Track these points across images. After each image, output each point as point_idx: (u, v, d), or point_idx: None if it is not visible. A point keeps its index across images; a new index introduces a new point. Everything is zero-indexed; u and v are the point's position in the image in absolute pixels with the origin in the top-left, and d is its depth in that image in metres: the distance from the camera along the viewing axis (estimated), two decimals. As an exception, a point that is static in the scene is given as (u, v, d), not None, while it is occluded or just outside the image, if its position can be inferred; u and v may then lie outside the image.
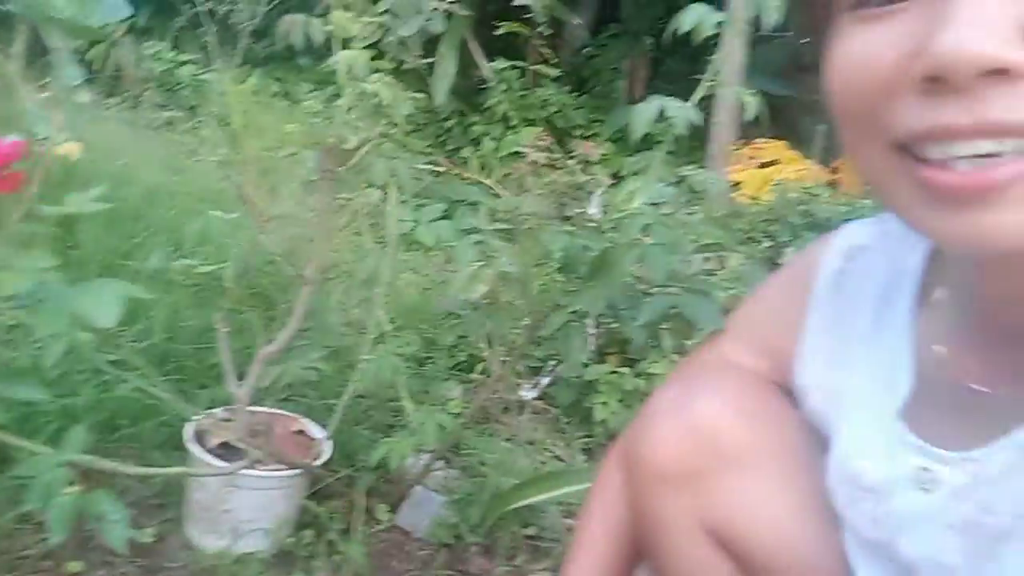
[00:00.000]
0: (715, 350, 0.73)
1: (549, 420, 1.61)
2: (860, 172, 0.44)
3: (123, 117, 3.25)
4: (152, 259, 1.35)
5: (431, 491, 1.26)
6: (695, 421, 0.64)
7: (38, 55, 1.61)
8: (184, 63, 3.38)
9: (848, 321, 0.61)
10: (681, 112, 0.89)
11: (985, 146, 0.36)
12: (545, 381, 1.62)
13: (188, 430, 1.12)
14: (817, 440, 0.63)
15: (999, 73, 0.34)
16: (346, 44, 1.16)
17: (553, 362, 1.64)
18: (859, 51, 0.39)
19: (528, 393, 1.61)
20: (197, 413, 1.10)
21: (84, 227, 1.63)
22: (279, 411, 1.26)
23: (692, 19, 0.93)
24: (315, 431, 1.23)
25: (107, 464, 0.90)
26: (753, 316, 0.73)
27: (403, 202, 1.19)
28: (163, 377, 1.33)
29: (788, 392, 0.66)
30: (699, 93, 0.94)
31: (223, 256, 1.31)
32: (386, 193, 1.17)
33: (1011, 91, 0.34)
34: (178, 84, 3.61)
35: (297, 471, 1.10)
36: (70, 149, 1.66)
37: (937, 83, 0.35)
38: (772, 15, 0.88)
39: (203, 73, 3.37)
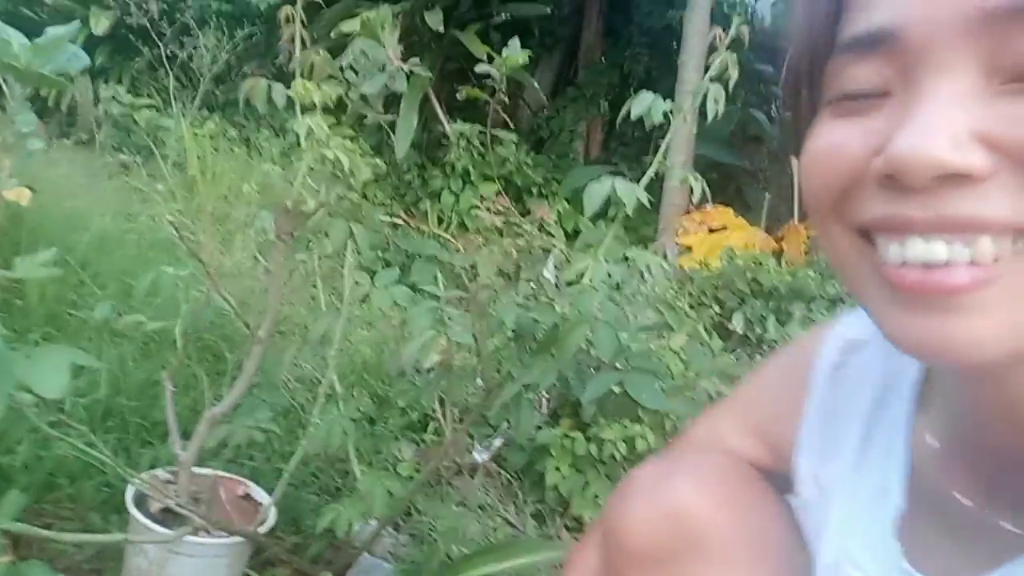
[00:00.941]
0: (710, 427, 0.73)
1: (501, 484, 1.60)
2: (830, 260, 0.45)
3: (76, 159, 3.20)
4: (99, 311, 1.33)
5: (379, 559, 1.24)
6: (671, 504, 0.62)
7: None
8: (142, 106, 3.36)
9: (843, 419, 0.59)
10: (629, 193, 0.93)
11: (939, 248, 0.36)
12: (498, 443, 1.63)
13: (129, 493, 1.09)
14: (799, 535, 0.63)
15: (953, 175, 0.35)
16: (307, 108, 1.18)
17: (506, 424, 1.64)
18: (832, 141, 0.41)
19: (480, 455, 1.60)
20: (138, 475, 1.07)
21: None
22: (224, 474, 1.23)
23: (642, 106, 0.98)
24: (261, 495, 1.21)
25: (41, 532, 0.87)
26: (752, 397, 0.72)
27: (359, 262, 1.21)
28: (106, 434, 1.30)
29: (781, 478, 0.65)
30: (649, 174, 0.98)
31: (173, 310, 1.29)
32: (343, 255, 1.18)
33: (965, 192, 0.35)
34: (135, 127, 3.57)
35: (240, 538, 1.08)
36: (20, 194, 1.63)
37: (896, 181, 0.37)
38: (715, 107, 0.94)
39: (162, 117, 3.35)
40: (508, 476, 1.61)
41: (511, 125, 4.12)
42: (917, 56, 0.37)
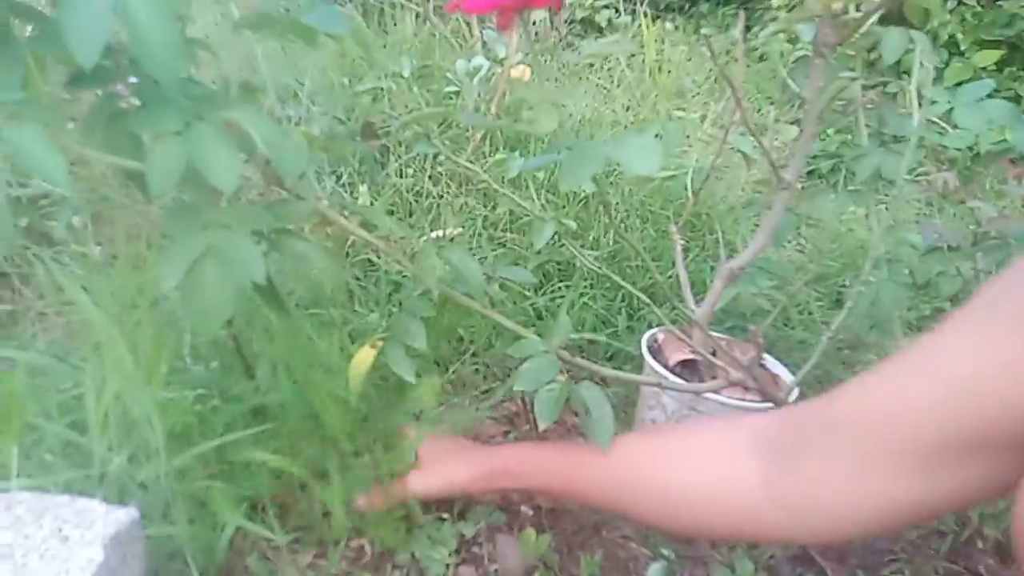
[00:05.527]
0: None
1: None
2: None
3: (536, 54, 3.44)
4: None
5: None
6: None
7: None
8: (602, 7, 3.44)
9: None
10: None
11: None
12: None
13: (643, 342, 1.04)
14: None
15: None
16: None
17: None
18: None
19: None
20: (664, 325, 1.00)
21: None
22: (733, 339, 1.11)
23: None
24: (775, 365, 1.06)
25: (585, 363, 0.84)
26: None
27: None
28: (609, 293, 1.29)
29: None
30: None
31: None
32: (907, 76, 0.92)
33: None
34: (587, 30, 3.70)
35: (768, 404, 0.94)
36: (523, 72, 1.72)
37: None
38: None
39: (618, 17, 3.40)
40: None
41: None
42: None
